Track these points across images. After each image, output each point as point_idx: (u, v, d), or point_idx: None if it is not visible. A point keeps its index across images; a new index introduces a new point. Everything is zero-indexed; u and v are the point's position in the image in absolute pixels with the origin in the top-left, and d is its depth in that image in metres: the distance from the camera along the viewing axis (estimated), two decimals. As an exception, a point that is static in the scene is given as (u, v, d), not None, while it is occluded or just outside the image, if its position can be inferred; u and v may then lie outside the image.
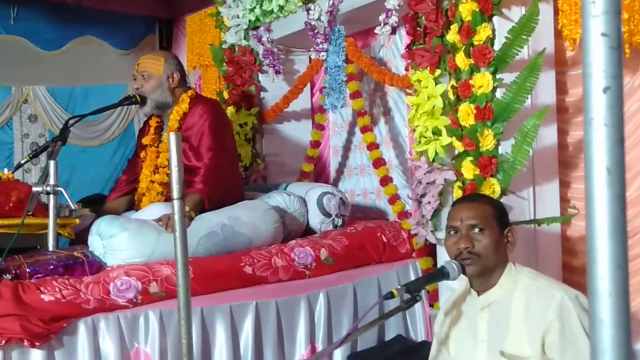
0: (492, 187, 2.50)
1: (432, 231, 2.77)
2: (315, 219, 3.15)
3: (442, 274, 1.91)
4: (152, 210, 2.71)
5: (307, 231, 3.15)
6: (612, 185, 0.51)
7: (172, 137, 1.49)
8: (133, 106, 4.20)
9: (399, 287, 1.83)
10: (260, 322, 2.52)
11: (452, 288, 2.34)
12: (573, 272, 2.85)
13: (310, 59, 3.78)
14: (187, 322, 1.47)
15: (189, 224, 2.64)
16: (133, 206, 3.10)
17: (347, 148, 4.16)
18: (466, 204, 1.98)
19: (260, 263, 2.65)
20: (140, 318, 2.32)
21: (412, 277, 2.91)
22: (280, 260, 2.70)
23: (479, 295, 1.94)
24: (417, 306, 2.91)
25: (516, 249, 2.63)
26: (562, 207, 2.87)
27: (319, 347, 2.64)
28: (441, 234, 2.66)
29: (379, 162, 3.28)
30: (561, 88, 2.86)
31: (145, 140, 3.17)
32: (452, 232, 1.94)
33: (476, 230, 1.87)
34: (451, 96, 2.67)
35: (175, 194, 1.52)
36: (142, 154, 3.18)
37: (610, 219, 0.51)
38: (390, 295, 1.81)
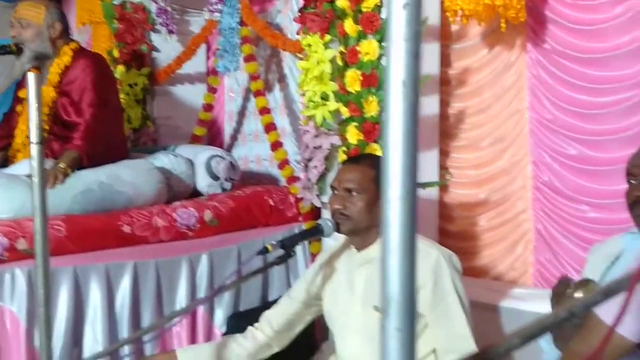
0: (375, 153, 2.57)
1: (317, 195, 2.81)
2: (203, 182, 3.11)
3: (317, 230, 1.94)
4: (24, 166, 2.56)
5: (195, 194, 3.11)
6: (407, 96, 0.53)
7: (31, 76, 1.41)
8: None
9: (273, 242, 1.85)
10: (138, 282, 2.47)
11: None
12: (449, 237, 2.99)
13: (206, 20, 3.70)
14: (45, 270, 1.41)
15: (64, 180, 2.52)
16: (7, 162, 2.93)
17: (241, 114, 4.13)
18: (349, 165, 2.01)
19: (140, 223, 2.59)
20: (5, 275, 2.20)
21: (297, 241, 2.94)
22: (161, 221, 2.65)
23: (359, 251, 1.99)
24: (302, 266, 2.96)
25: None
26: (442, 175, 3.00)
27: (200, 308, 2.63)
28: (326, 198, 2.70)
29: (270, 127, 3.27)
30: (445, 60, 2.97)
31: (22, 94, 2.98)
32: (333, 192, 1.98)
33: (352, 193, 1.91)
34: (339, 62, 2.70)
35: (33, 137, 1.44)
36: (19, 108, 2.99)
37: (404, 127, 0.53)
38: (265, 251, 1.82)
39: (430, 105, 2.85)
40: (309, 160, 2.80)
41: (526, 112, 2.81)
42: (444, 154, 3.02)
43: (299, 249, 2.97)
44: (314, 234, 1.95)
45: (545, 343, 1.65)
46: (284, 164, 3.18)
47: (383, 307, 0.54)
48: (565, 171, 2.66)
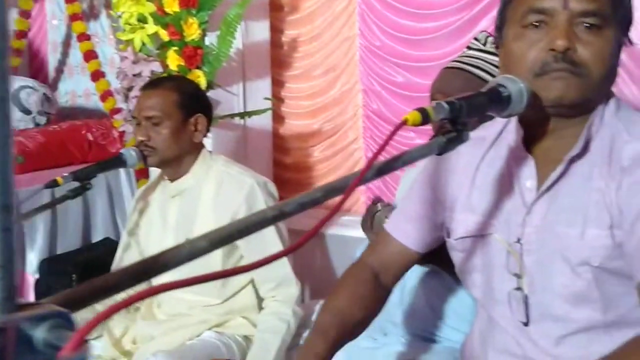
0: (198, 80, 2.40)
1: (140, 127, 2.61)
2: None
3: (119, 161, 1.77)
4: None
5: (4, 130, 2.77)
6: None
7: None
8: None
9: (65, 174, 1.66)
10: None
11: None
12: (284, 169, 2.93)
13: None
14: None
15: None
16: None
17: (67, 44, 3.74)
18: (147, 91, 1.82)
19: None
20: None
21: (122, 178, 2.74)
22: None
23: (172, 182, 1.86)
24: (128, 204, 2.77)
25: (226, 144, 2.62)
26: (277, 106, 2.91)
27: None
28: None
29: (89, 55, 2.99)
30: (277, -16, 2.83)
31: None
32: (135, 122, 1.81)
33: (155, 121, 1.75)
34: (157, -19, 2.47)
35: None
36: None
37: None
38: (54, 184, 1.63)
39: (260, 30, 2.71)
40: (129, 89, 2.58)
41: (356, 39, 2.76)
42: (278, 84, 2.92)
43: (125, 184, 2.78)
44: (115, 165, 1.79)
45: None
46: (106, 95, 2.93)
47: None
48: (393, 98, 2.66)
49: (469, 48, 1.58)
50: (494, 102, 0.81)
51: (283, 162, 2.93)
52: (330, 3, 2.78)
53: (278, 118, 2.91)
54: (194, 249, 0.52)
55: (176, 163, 1.83)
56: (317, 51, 2.85)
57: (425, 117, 0.72)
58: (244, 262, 1.82)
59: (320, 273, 2.55)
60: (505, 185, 0.95)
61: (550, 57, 0.83)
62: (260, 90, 2.73)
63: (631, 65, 2.10)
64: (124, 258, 1.96)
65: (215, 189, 1.82)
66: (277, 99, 2.88)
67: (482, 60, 1.51)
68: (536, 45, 0.84)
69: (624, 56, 0.92)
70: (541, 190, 0.89)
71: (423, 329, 1.62)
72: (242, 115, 2.47)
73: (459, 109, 0.76)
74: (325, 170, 2.91)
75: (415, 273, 1.57)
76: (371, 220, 1.61)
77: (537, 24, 0.85)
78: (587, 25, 0.82)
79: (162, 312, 1.90)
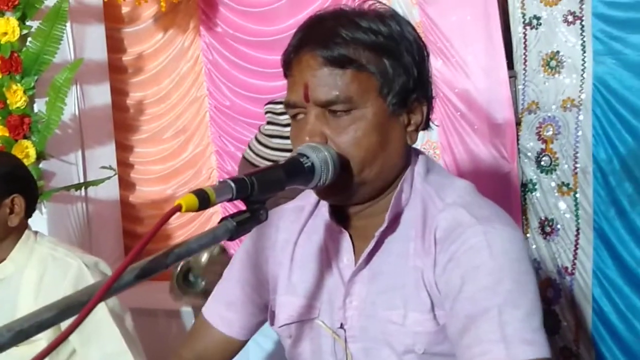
0: (26, 151, 2.18)
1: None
2: None
3: None
4: None
5: None
6: None
7: None
8: None
9: None
10: None
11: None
12: (136, 239, 2.73)
13: None
14: None
15: None
16: None
17: None
18: None
19: None
20: None
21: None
22: None
23: None
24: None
25: (65, 219, 2.38)
26: (125, 172, 2.72)
27: None
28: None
29: None
30: (117, 46, 2.68)
31: None
32: None
33: None
34: (-24, 44, 2.24)
35: None
36: None
37: None
38: None
39: (100, 94, 2.53)
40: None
41: (206, 100, 2.66)
42: (125, 148, 2.74)
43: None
44: None
45: None
46: None
47: None
48: (247, 159, 2.57)
49: (269, 122, 1.55)
50: (293, 174, 0.72)
51: (135, 232, 2.73)
52: (175, 63, 2.68)
53: (127, 185, 2.72)
54: None
55: (-5, 247, 1.59)
56: (165, 113, 2.72)
57: (203, 201, 0.61)
58: (77, 358, 1.60)
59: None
60: (324, 262, 0.86)
61: None
62: (102, 157, 2.53)
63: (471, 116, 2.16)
64: None
65: (38, 275, 1.60)
66: (124, 165, 2.69)
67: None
68: (300, 139, 0.77)
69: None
70: (357, 268, 0.81)
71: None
72: (79, 186, 2.26)
73: (248, 186, 0.66)
74: (183, 238, 2.74)
75: (256, 344, 1.44)
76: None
77: (296, 116, 0.79)
78: (334, 112, 0.76)
79: None
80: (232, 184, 0.65)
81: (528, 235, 2.17)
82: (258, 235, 0.94)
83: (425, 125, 0.83)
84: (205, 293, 1.41)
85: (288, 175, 0.72)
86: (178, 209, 0.60)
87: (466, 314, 0.71)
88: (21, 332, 0.46)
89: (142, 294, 2.47)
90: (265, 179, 0.69)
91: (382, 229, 0.79)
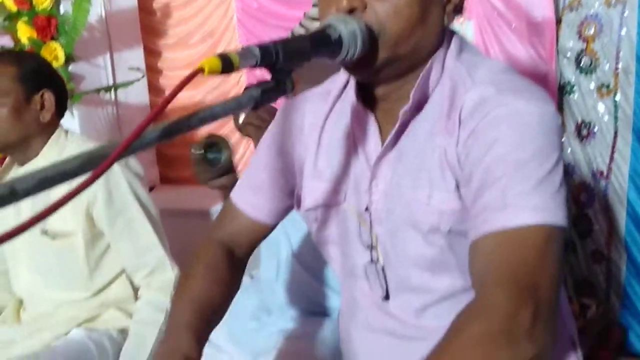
0: (55, 53, 2.17)
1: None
2: None
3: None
4: None
5: None
6: None
7: None
8: None
9: None
10: None
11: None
12: (168, 147, 2.75)
13: None
14: None
15: None
16: None
17: None
18: None
19: None
20: None
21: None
22: None
23: (22, 167, 1.65)
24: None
25: (96, 122, 2.40)
26: (154, 78, 2.71)
27: None
28: None
29: None
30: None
31: None
32: None
33: None
34: (-1, -58, 2.20)
35: None
36: None
37: None
38: None
39: (126, -4, 2.49)
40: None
41: (232, 1, 2.59)
42: (153, 54, 2.71)
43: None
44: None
45: None
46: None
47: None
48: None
49: (314, 5, 1.49)
50: (320, 45, 0.69)
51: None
52: (201, -38, 2.59)
53: (156, 91, 2.71)
54: None
55: (23, 146, 1.61)
56: (192, 16, 2.66)
57: (227, 64, 0.59)
58: (112, 251, 1.65)
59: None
60: (350, 146, 0.84)
61: None
62: (130, 61, 2.52)
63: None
64: None
65: None
66: (153, 70, 2.67)
67: None
68: (330, 6, 0.73)
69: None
70: (383, 151, 0.79)
71: (309, 301, 1.51)
72: (109, 88, 2.26)
73: (273, 53, 0.64)
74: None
75: (287, 240, 1.46)
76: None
77: None
78: None
79: (26, 314, 1.70)
80: (257, 50, 0.63)
81: (563, 140, 2.12)
82: (284, 120, 0.93)
83: (460, 10, 0.79)
84: (227, 171, 1.41)
85: (314, 46, 0.69)
86: (200, 70, 0.58)
87: (478, 185, 0.69)
88: (46, 180, 0.45)
89: (171, 195, 2.52)
90: (291, 47, 0.66)
91: (406, 107, 0.76)
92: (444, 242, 0.75)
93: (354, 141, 0.84)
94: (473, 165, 0.70)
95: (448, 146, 0.74)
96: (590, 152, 2.08)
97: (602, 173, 2.07)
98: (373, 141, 0.81)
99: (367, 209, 0.81)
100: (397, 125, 0.77)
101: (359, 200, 0.82)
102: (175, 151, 2.74)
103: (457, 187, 0.73)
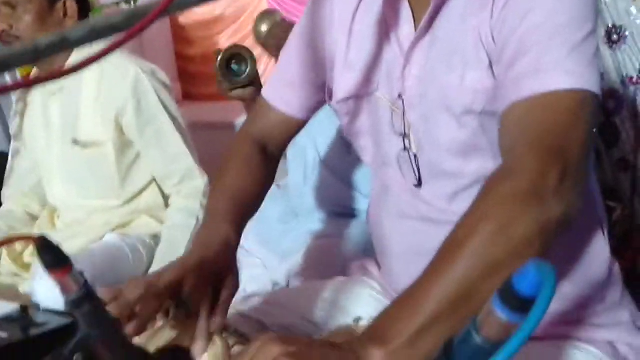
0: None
1: None
2: None
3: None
4: None
5: None
6: None
7: None
8: None
9: None
10: None
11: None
12: (190, 62, 2.74)
13: None
14: None
15: None
16: None
17: None
18: None
19: None
20: None
21: (8, 85, 2.49)
22: None
23: None
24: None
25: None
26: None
27: None
28: None
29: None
30: None
31: None
32: None
33: (13, 5, 1.53)
34: None
35: None
36: None
37: None
38: None
39: None
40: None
41: None
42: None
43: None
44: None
45: None
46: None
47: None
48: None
49: None
50: None
51: (187, 55, 2.73)
52: None
53: (176, 5, 2.68)
54: None
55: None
56: None
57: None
58: (142, 159, 1.69)
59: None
60: (382, 34, 0.83)
61: None
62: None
63: None
64: (15, 164, 1.81)
65: (97, 82, 1.64)
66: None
67: None
68: None
69: None
70: (417, 36, 0.78)
71: (337, 204, 1.54)
72: (129, 1, 2.24)
73: None
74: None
75: (313, 145, 1.47)
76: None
77: None
78: None
79: (60, 221, 1.77)
80: None
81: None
82: (314, 13, 0.92)
83: None
84: (250, 82, 1.42)
85: None
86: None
87: (511, 55, 0.68)
88: (94, 30, 0.47)
89: (195, 110, 2.54)
90: None
91: None
92: (477, 123, 0.76)
93: (386, 28, 0.83)
94: (507, 36, 0.69)
95: (482, 24, 0.73)
96: (620, 58, 2.03)
97: (631, 79, 2.02)
98: (406, 26, 0.80)
99: (399, 96, 0.82)
100: (430, 9, 0.76)
101: (391, 88, 0.82)
102: (197, 68, 2.73)
103: (491, 65, 0.73)
